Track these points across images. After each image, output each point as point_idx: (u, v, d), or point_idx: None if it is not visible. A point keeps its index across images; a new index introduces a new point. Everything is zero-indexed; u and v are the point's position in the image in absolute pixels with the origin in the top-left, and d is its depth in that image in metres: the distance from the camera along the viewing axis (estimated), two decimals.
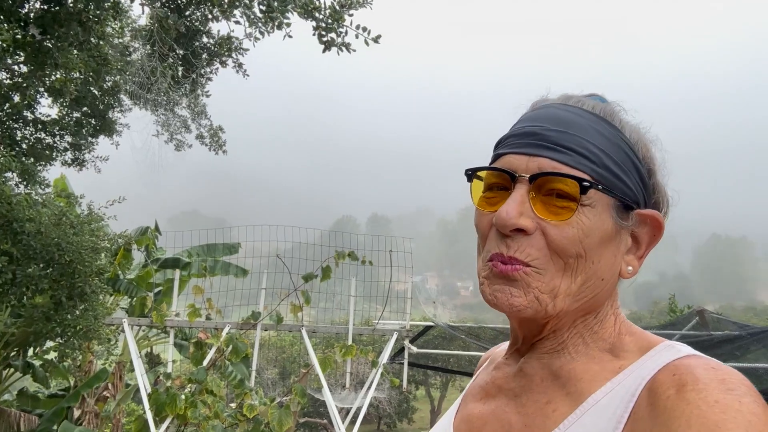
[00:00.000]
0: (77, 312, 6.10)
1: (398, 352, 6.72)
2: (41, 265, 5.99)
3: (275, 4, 3.77)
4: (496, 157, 0.90)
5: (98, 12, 5.14)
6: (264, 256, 7.32)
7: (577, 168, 0.81)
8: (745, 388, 0.69)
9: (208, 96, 7.99)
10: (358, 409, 6.26)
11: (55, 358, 7.30)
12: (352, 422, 6.46)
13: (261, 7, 3.91)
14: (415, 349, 6.65)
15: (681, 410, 0.69)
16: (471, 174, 0.91)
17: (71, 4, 4.95)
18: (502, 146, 0.89)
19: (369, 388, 6.22)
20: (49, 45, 5.06)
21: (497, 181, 0.87)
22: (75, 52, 5.15)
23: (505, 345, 1.09)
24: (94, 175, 10.15)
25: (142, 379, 5.71)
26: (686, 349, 0.80)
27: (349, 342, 6.21)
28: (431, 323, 7.15)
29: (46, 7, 4.88)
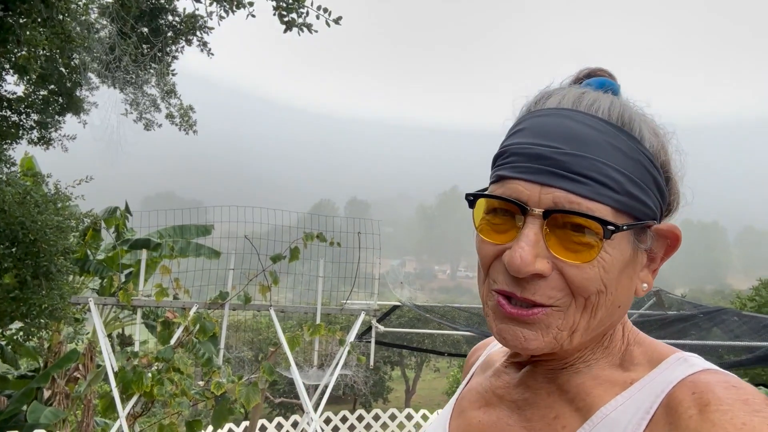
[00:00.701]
0: (43, 291, 6.08)
1: (366, 331, 6.84)
2: (5, 244, 5.94)
3: None
4: (498, 178, 0.79)
5: None
6: (239, 238, 7.35)
7: (597, 200, 0.73)
8: None
9: (174, 75, 7.91)
10: (326, 386, 6.38)
11: (20, 337, 7.28)
12: (322, 400, 6.59)
13: None
14: (382, 328, 6.77)
15: None
16: (473, 199, 0.81)
17: None
18: (507, 167, 0.78)
19: (336, 366, 6.34)
20: (11, 21, 4.98)
21: (503, 207, 0.78)
22: (39, 29, 5.08)
23: (491, 345, 1.06)
24: (68, 155, 10.01)
25: (108, 356, 5.73)
26: (700, 362, 0.76)
27: (317, 321, 6.30)
28: (398, 303, 7.30)
29: None
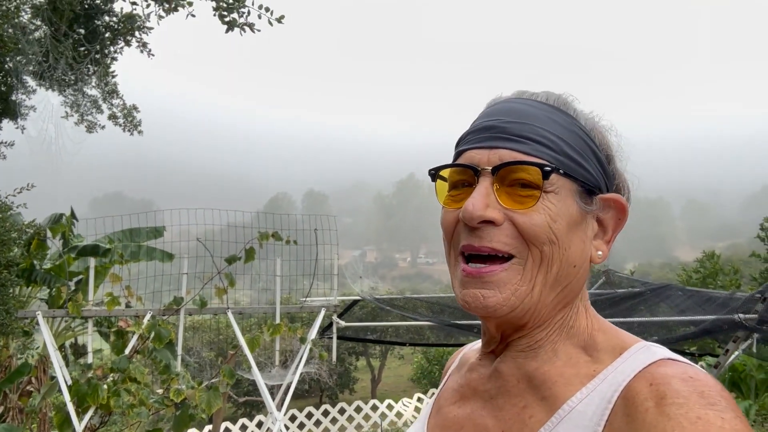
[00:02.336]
0: None
1: (327, 327, 6.84)
2: None
3: None
4: (457, 155, 0.90)
5: None
6: (192, 240, 7.19)
7: (537, 156, 0.82)
8: (725, 402, 0.68)
9: (114, 76, 7.64)
10: (289, 385, 6.36)
11: None
12: (286, 399, 6.56)
13: None
14: (343, 324, 6.78)
15: (662, 427, 0.66)
16: (434, 174, 0.90)
17: None
18: (463, 143, 0.90)
19: (299, 364, 6.32)
20: None
21: (461, 178, 0.87)
22: None
23: (477, 345, 1.08)
24: (6, 162, 9.56)
25: (60, 370, 5.55)
26: (661, 351, 0.79)
27: (277, 321, 6.26)
28: (358, 297, 7.31)
29: None
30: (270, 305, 6.52)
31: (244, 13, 4.10)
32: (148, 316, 5.87)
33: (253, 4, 4.07)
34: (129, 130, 10.53)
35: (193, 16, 4.30)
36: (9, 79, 8.61)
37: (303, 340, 6.37)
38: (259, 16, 4.06)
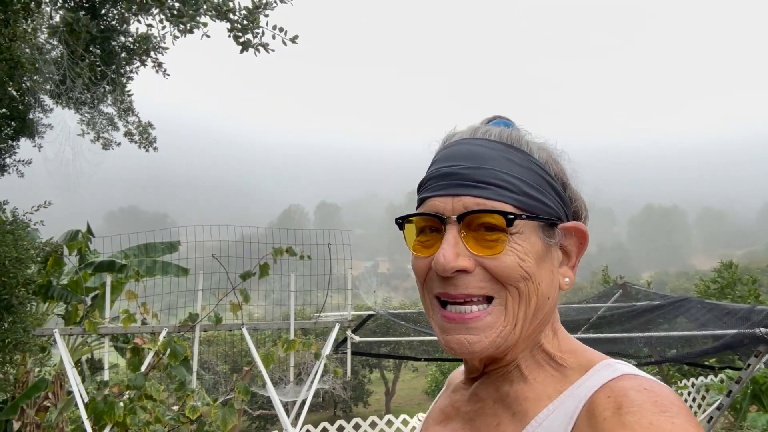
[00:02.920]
0: (5, 325, 5.87)
1: (341, 342, 6.81)
2: None
3: (185, 9, 3.72)
4: (421, 201, 0.92)
5: (9, 15, 4.91)
6: (207, 256, 7.21)
7: (498, 200, 0.85)
8: (676, 409, 0.73)
9: (130, 95, 7.73)
10: (303, 402, 6.33)
11: None
12: (301, 415, 6.53)
13: (172, 11, 3.84)
14: (357, 339, 6.75)
15: None
16: (401, 222, 0.93)
17: None
18: (425, 190, 0.92)
19: (313, 380, 6.29)
20: None
21: (428, 224, 0.90)
22: None
23: (462, 367, 1.12)
24: (24, 179, 9.68)
25: (77, 388, 5.58)
26: (623, 368, 0.84)
27: (291, 337, 6.25)
28: (372, 312, 7.28)
29: None
30: (284, 320, 6.51)
31: (258, 33, 4.15)
32: (163, 333, 5.89)
33: (267, 25, 4.12)
34: (144, 147, 10.65)
35: (208, 36, 4.34)
36: (26, 98, 8.75)
37: (317, 356, 6.35)
38: (273, 37, 4.10)
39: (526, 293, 0.85)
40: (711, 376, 10.67)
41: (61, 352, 5.72)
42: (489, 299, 0.86)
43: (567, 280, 0.92)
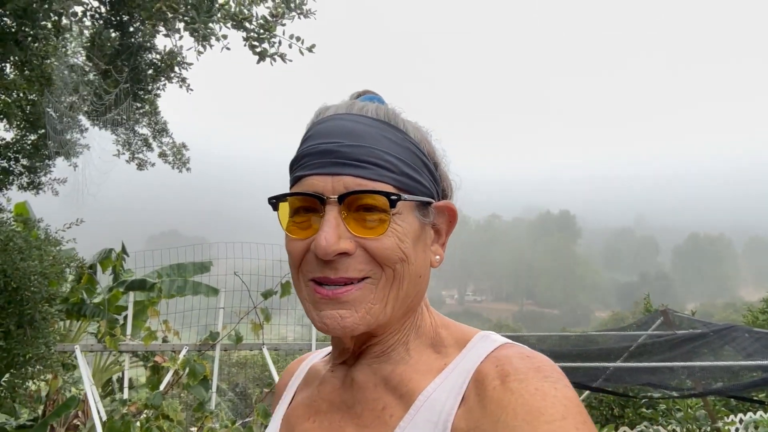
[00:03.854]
0: (28, 340, 5.87)
1: None
2: None
3: (199, 16, 3.69)
4: (296, 180, 0.89)
5: (37, 31, 5.00)
6: (228, 275, 7.15)
7: (380, 180, 0.84)
8: (557, 375, 0.78)
9: (157, 113, 7.84)
10: None
11: (5, 390, 7.00)
12: None
13: (186, 18, 3.82)
14: None
15: (507, 400, 0.75)
16: (276, 202, 0.89)
17: (6, 24, 4.81)
18: (301, 167, 0.88)
19: None
20: None
21: (304, 204, 0.86)
22: (10, 71, 5.00)
23: (320, 355, 1.10)
24: (67, 197, 9.91)
25: (95, 407, 5.51)
26: (500, 339, 0.88)
27: None
28: None
29: None
30: (306, 341, 6.35)
31: (274, 43, 4.09)
32: (183, 351, 5.80)
33: (283, 34, 4.07)
34: (178, 168, 10.81)
35: (228, 49, 4.32)
36: (63, 118, 8.99)
37: None
38: (290, 46, 4.04)
39: (401, 274, 0.85)
40: (760, 412, 9.99)
41: (81, 368, 5.69)
42: (363, 279, 0.85)
43: (438, 257, 0.93)
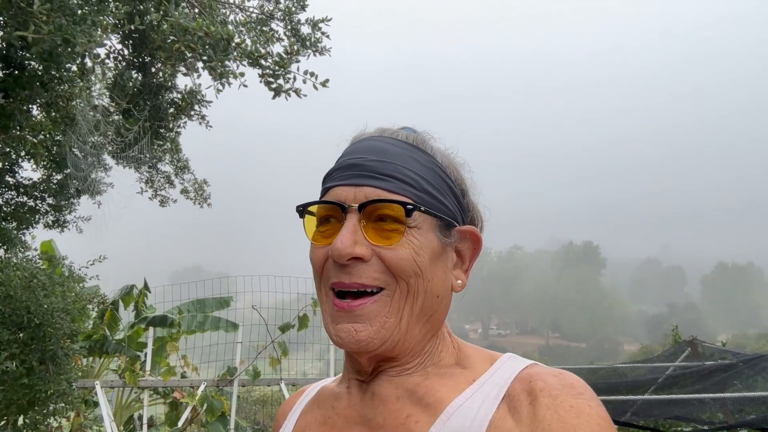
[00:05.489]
0: (50, 377, 5.91)
1: None
2: (12, 329, 5.84)
3: (216, 55, 3.81)
4: (324, 191, 0.94)
5: (62, 73, 5.19)
6: (245, 308, 7.16)
7: (399, 193, 0.87)
8: (590, 393, 0.81)
9: (178, 151, 8.00)
10: None
11: (29, 426, 7.01)
12: None
13: (204, 58, 3.95)
14: None
15: (542, 415, 0.77)
16: (302, 210, 0.93)
17: (33, 67, 5.01)
18: (330, 180, 0.93)
19: None
20: (13, 107, 5.09)
21: (329, 214, 0.90)
22: (37, 112, 5.17)
23: (327, 382, 1.08)
24: (93, 235, 10.10)
25: None
26: (526, 360, 0.89)
27: None
28: None
29: (7, 71, 4.93)
30: (323, 377, 6.28)
31: (289, 79, 4.19)
32: (202, 387, 5.77)
33: (298, 70, 4.17)
34: (199, 204, 10.98)
35: (245, 86, 4.43)
36: (89, 158, 9.23)
37: None
38: (304, 81, 4.14)
39: (415, 289, 0.86)
40: None
41: (101, 405, 5.69)
42: (378, 291, 0.86)
43: (459, 282, 0.94)
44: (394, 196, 0.87)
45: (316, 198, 0.95)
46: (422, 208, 0.87)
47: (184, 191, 10.87)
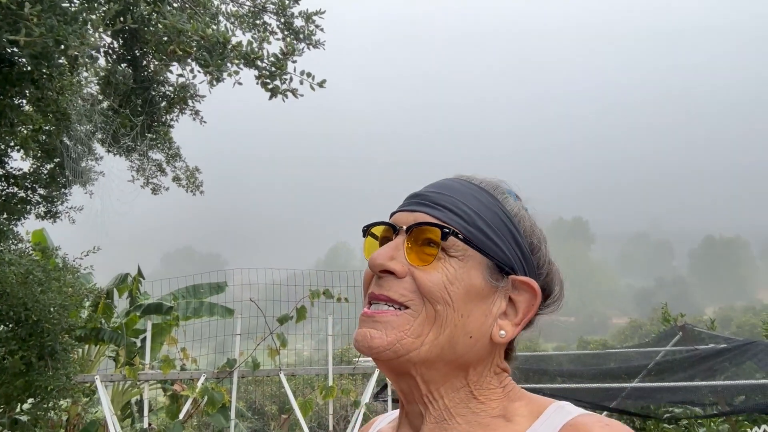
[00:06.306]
0: (49, 372, 5.93)
1: (382, 389, 6.57)
2: (10, 326, 5.84)
3: (212, 59, 3.76)
4: (390, 216, 0.98)
5: (52, 70, 5.10)
6: (244, 301, 7.18)
7: (446, 222, 0.88)
8: None
9: (172, 144, 7.92)
10: None
11: (29, 420, 7.07)
12: None
13: (200, 61, 3.91)
14: None
15: None
16: (366, 230, 0.99)
17: (23, 64, 4.92)
18: (398, 207, 0.99)
19: (352, 430, 6.06)
20: (4, 103, 5.01)
21: (386, 236, 0.95)
22: (28, 108, 5.10)
23: (389, 416, 1.10)
24: (81, 223, 10.03)
25: None
26: (576, 409, 0.86)
27: (330, 383, 6.07)
28: None
29: None
30: (322, 366, 6.34)
31: (286, 79, 4.16)
32: (202, 379, 5.82)
33: (294, 71, 4.13)
34: (191, 191, 10.92)
35: (240, 84, 4.39)
36: (79, 147, 9.11)
37: (357, 404, 6.13)
38: (301, 82, 4.10)
39: (443, 318, 0.85)
40: None
41: (102, 400, 5.73)
42: (405, 308, 0.87)
43: (503, 333, 0.90)
44: (437, 221, 0.89)
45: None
46: (460, 236, 0.87)
47: (176, 179, 10.81)
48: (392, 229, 0.93)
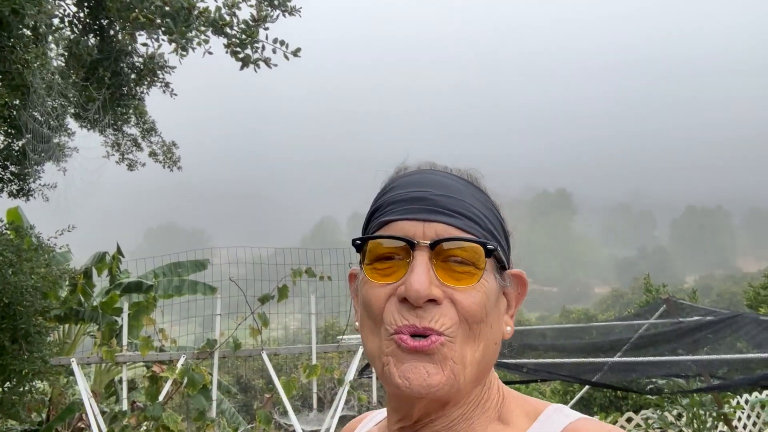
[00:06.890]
0: (24, 356, 5.77)
1: (366, 366, 6.51)
2: None
3: (176, 26, 3.53)
4: (382, 224, 0.84)
5: (15, 41, 4.83)
6: (223, 280, 7.05)
7: (469, 232, 0.81)
8: None
9: (143, 117, 7.65)
10: (327, 431, 6.05)
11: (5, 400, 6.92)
12: None
13: (164, 28, 3.67)
14: None
15: None
16: (360, 244, 0.84)
17: None
18: (388, 213, 0.84)
19: (336, 407, 6.01)
20: None
21: (390, 250, 0.81)
22: None
23: (378, 416, 1.03)
24: (60, 202, 9.77)
25: (94, 420, 5.42)
26: (574, 413, 0.83)
27: (313, 361, 5.98)
28: None
29: None
30: (305, 345, 6.25)
31: (257, 48, 3.94)
32: (181, 360, 5.70)
33: (267, 39, 3.91)
34: (169, 167, 10.66)
35: (210, 53, 4.16)
36: (50, 122, 8.80)
37: (341, 382, 6.06)
38: (274, 51, 3.89)
39: (478, 335, 0.80)
40: (766, 392, 9.94)
41: (79, 382, 5.60)
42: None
43: (509, 328, 0.87)
44: (465, 235, 0.81)
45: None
46: (498, 249, 0.82)
47: (153, 154, 10.54)
48: (406, 243, 0.79)
